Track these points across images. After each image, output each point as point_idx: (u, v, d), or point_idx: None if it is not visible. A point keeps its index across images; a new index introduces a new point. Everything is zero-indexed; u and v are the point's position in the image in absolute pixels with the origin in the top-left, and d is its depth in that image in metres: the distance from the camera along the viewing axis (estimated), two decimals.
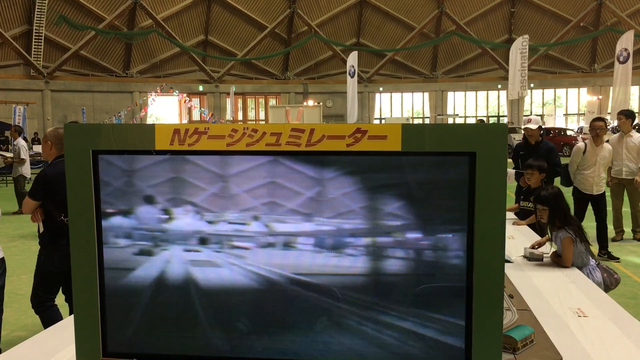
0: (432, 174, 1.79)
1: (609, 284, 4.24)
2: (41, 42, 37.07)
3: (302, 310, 1.86)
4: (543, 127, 34.68)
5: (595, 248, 8.15)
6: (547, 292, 3.54)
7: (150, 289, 1.93)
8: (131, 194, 1.91)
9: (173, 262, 1.91)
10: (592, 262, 4.24)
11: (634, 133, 8.67)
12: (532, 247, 4.44)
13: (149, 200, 1.90)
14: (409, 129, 1.79)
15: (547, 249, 4.49)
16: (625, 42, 21.81)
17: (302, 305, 1.86)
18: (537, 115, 38.16)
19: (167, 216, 1.90)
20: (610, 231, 8.53)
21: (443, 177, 1.78)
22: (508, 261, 4.17)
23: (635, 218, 8.89)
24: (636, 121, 8.96)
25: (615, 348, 2.62)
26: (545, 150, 7.31)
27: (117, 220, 1.92)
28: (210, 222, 1.88)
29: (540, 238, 4.64)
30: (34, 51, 37.06)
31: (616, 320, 3.00)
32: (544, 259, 4.28)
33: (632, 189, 8.70)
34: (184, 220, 1.89)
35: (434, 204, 1.79)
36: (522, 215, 6.13)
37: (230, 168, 1.87)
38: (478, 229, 1.76)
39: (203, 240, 1.89)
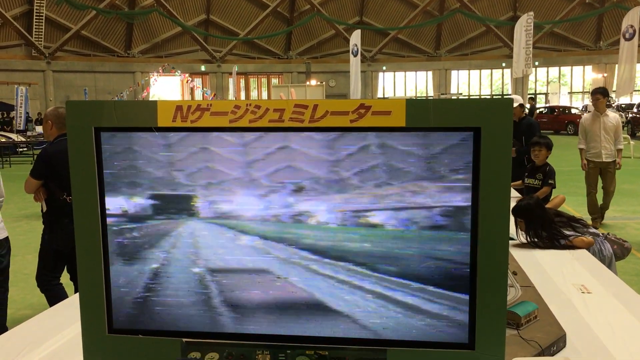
0: (436, 149, 1.77)
1: (620, 254, 4.25)
2: (42, 22, 36.88)
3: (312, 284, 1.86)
4: (547, 105, 34.35)
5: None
6: (550, 269, 3.54)
7: (155, 266, 1.93)
8: (134, 172, 1.90)
9: (179, 238, 1.91)
10: (600, 236, 4.24)
11: (609, 112, 8.39)
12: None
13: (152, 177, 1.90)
14: (413, 105, 1.77)
15: None
16: (631, 18, 21.56)
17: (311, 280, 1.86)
18: (529, 95, 37.95)
19: (172, 192, 1.89)
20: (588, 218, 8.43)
21: (447, 152, 1.77)
22: (512, 239, 4.17)
23: (605, 204, 8.56)
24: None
25: (619, 324, 2.62)
26: (525, 126, 7.53)
27: (121, 198, 1.92)
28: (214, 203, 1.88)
29: None
30: (35, 31, 36.88)
31: (620, 296, 3.00)
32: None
33: (608, 173, 8.37)
34: (189, 197, 1.89)
35: (437, 178, 1.78)
36: (526, 192, 6.13)
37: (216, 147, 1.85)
38: (482, 205, 1.75)
39: (209, 218, 1.89)
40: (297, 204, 1.84)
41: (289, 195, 1.84)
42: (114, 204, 1.92)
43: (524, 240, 4.14)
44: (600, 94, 8.33)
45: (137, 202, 1.92)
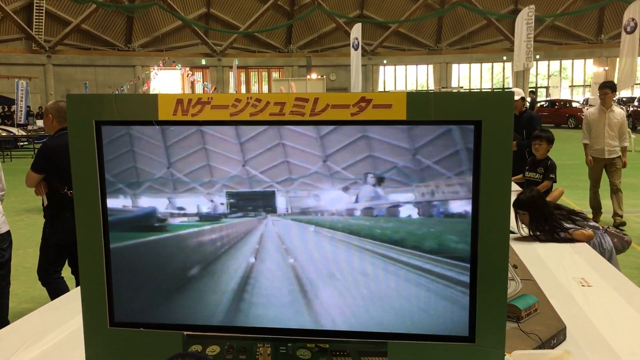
0: (437, 142, 1.77)
1: (620, 248, 4.25)
2: (42, 16, 36.81)
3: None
4: (549, 99, 34.26)
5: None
6: (551, 262, 3.54)
7: (156, 259, 1.94)
8: (135, 164, 1.90)
9: (180, 231, 1.92)
10: (599, 230, 4.24)
11: (615, 108, 8.10)
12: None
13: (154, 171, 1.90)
14: (414, 98, 1.77)
15: None
16: (633, 11, 21.47)
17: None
18: (535, 87, 37.88)
19: (172, 187, 1.89)
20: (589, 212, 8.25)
21: (448, 145, 1.76)
22: (512, 232, 4.17)
23: (616, 201, 8.20)
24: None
25: (619, 317, 2.63)
26: (526, 119, 7.45)
27: (122, 192, 1.92)
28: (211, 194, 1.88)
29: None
30: (35, 25, 36.81)
31: (620, 289, 3.01)
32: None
33: (613, 169, 8.07)
34: (195, 190, 1.89)
35: (439, 172, 1.77)
36: (527, 186, 6.13)
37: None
38: (483, 198, 1.75)
39: (204, 212, 1.89)
40: (381, 195, 1.81)
41: (370, 186, 1.82)
42: (187, 204, 1.91)
43: (524, 234, 4.14)
44: (609, 88, 8.02)
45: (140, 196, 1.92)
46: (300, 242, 1.87)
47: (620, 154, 8.09)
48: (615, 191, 8.22)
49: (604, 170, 8.31)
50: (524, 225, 4.17)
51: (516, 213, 4.20)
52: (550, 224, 4.05)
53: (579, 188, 10.24)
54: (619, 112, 8.12)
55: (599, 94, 8.32)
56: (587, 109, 29.75)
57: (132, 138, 1.90)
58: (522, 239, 4.12)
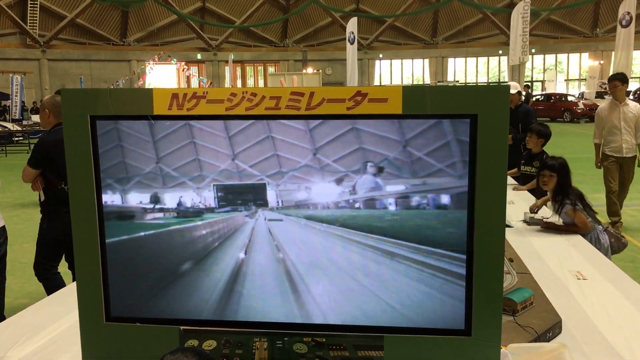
0: (430, 134, 1.77)
1: (616, 248, 4.28)
2: (37, 10, 36.63)
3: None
4: (544, 92, 34.11)
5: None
6: (546, 255, 3.55)
7: (152, 254, 1.93)
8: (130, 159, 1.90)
9: (175, 226, 1.91)
10: (599, 227, 4.26)
11: (629, 102, 7.51)
12: (531, 210, 4.49)
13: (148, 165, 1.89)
14: (410, 91, 1.77)
15: (547, 213, 4.51)
16: (628, 5, 21.50)
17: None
18: (527, 82, 37.89)
19: (161, 182, 1.89)
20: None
21: (441, 138, 1.76)
22: (508, 226, 4.18)
23: (619, 202, 7.67)
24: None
25: (614, 310, 2.64)
26: (522, 113, 7.40)
27: (117, 187, 1.91)
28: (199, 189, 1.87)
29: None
30: (30, 19, 36.63)
31: (615, 282, 3.02)
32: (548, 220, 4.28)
33: (628, 169, 7.52)
34: (184, 185, 1.88)
35: (432, 165, 1.77)
36: (522, 180, 6.14)
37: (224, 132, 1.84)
38: (479, 192, 1.75)
39: (194, 207, 1.89)
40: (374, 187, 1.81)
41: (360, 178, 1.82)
42: (176, 198, 1.90)
43: (531, 217, 4.27)
44: (618, 81, 7.37)
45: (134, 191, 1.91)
46: (291, 235, 1.87)
47: (636, 153, 7.54)
48: (622, 190, 7.73)
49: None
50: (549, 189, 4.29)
51: (539, 177, 4.34)
52: (566, 193, 4.16)
53: (575, 182, 10.24)
54: (634, 105, 7.53)
55: (608, 88, 7.74)
56: (582, 102, 29.85)
57: (120, 132, 1.89)
58: (518, 232, 4.13)
